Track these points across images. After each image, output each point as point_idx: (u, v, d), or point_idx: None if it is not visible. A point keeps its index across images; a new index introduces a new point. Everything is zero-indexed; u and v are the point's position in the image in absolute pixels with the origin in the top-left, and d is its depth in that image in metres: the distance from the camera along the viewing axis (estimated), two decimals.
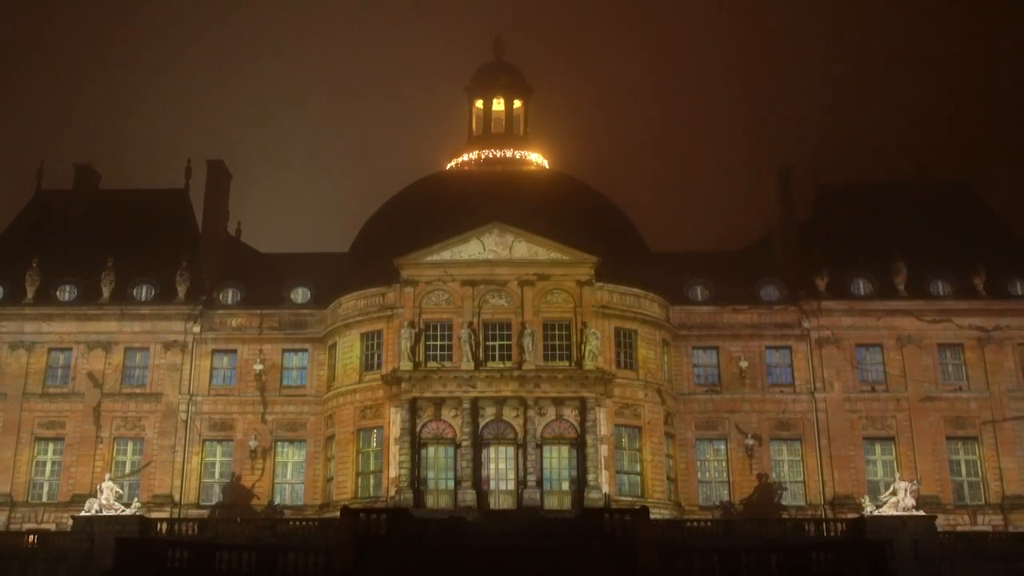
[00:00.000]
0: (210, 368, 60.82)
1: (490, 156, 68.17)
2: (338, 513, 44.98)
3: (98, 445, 58.87)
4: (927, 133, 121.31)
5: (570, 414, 55.56)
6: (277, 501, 58.14)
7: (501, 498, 54.35)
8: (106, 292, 60.88)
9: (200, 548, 41.76)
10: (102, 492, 50.63)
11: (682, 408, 59.59)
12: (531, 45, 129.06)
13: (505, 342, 56.60)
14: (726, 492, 58.56)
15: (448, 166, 68.78)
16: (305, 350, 61.21)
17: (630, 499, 53.77)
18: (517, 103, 70.68)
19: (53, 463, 59.23)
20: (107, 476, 53.60)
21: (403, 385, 55.65)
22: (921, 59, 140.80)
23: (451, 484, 54.68)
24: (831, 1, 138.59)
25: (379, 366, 57.55)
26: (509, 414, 55.45)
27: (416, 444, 55.28)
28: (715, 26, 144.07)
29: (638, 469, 56.70)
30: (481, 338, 56.37)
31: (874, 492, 55.36)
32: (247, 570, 40.61)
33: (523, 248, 57.66)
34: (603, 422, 55.47)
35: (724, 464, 59.35)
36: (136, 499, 54.11)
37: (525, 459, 54.59)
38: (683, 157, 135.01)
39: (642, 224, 66.89)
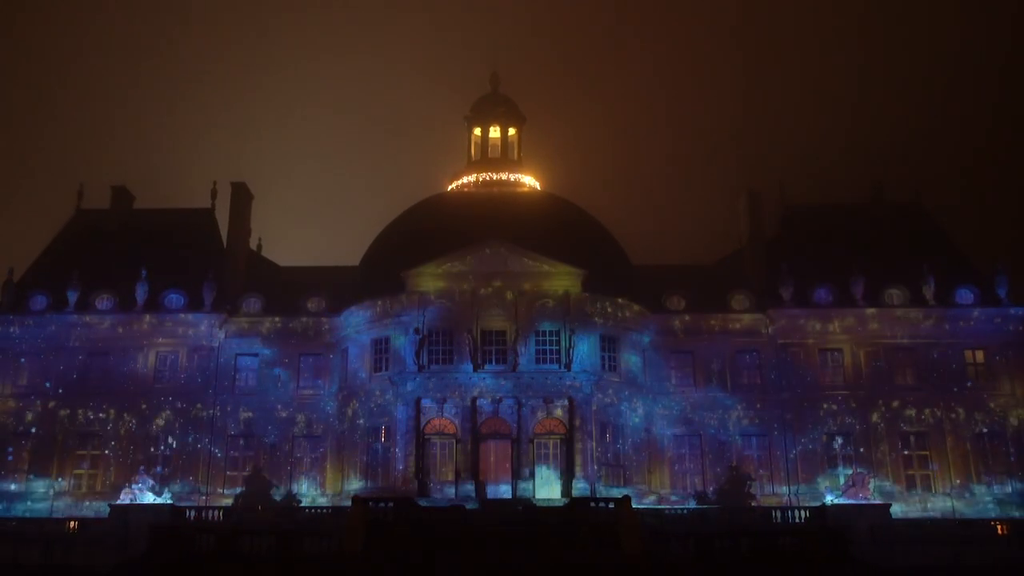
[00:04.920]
0: (234, 370, 61.00)
1: (487, 179, 68.45)
2: (350, 502, 45.17)
3: (132, 441, 59.02)
4: (882, 159, 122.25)
5: (559, 412, 55.77)
6: (294, 491, 58.24)
7: (497, 488, 54.55)
8: (140, 302, 61.11)
9: (225, 533, 41.90)
10: (136, 483, 50.74)
11: (660, 407, 59.83)
12: (525, 78, 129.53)
13: (501, 347, 56.80)
14: (700, 483, 58.76)
15: (449, 188, 69.02)
16: (320, 354, 61.42)
17: (614, 489, 53.97)
18: (512, 131, 71.03)
19: (92, 457, 59.44)
20: (140, 468, 53.70)
21: (408, 386, 55.89)
22: (876, 90, 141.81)
23: (452, 476, 54.83)
24: (800, 39, 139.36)
25: (386, 368, 57.80)
26: (504, 412, 55.67)
27: (420, 439, 55.49)
28: (692, 61, 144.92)
29: (621, 462, 56.96)
30: (479, 343, 56.61)
31: (835, 482, 55.63)
32: (267, 553, 40.79)
33: (517, 262, 57.95)
34: (589, 419, 55.69)
35: (699, 457, 59.62)
36: (167, 490, 54.26)
37: (519, 453, 54.83)
38: (662, 179, 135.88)
39: (624, 240, 67.18)
